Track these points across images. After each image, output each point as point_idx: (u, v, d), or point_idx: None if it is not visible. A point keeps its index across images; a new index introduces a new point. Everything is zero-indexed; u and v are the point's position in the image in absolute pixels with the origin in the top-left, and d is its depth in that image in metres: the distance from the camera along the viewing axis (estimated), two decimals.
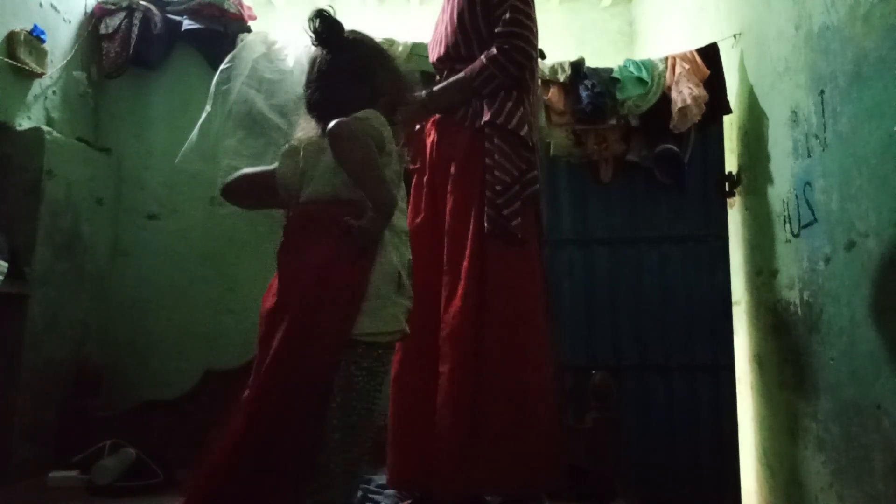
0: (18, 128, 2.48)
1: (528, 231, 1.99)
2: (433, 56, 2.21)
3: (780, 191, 2.36)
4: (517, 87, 2.02)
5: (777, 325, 2.40)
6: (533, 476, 1.87)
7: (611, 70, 2.78)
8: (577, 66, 2.79)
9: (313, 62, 1.57)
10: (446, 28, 2.13)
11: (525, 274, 1.96)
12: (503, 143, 1.97)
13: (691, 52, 2.77)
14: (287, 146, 1.57)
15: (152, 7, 2.92)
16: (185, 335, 2.81)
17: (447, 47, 2.11)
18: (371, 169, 1.39)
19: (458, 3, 2.08)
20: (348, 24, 1.59)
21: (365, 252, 1.38)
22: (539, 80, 2.35)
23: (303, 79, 1.60)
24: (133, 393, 2.66)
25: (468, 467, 1.83)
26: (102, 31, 2.93)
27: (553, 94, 2.75)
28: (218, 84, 2.75)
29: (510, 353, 1.89)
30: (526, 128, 1.99)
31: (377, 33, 2.74)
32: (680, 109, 2.64)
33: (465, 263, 1.93)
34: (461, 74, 2.03)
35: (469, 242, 1.94)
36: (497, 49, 1.98)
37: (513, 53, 1.97)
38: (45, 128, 2.52)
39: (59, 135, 2.56)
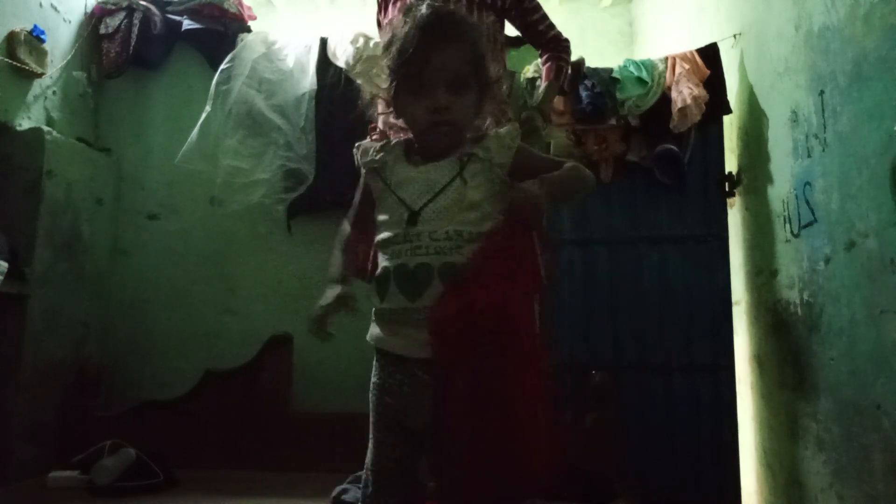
0: (18, 128, 2.48)
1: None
2: None
3: (780, 191, 2.36)
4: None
5: (777, 325, 2.40)
6: (520, 482, 1.86)
7: (611, 70, 2.77)
8: (577, 66, 2.78)
9: None
10: None
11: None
12: None
13: (691, 52, 2.77)
14: None
15: (152, 7, 2.93)
16: (185, 335, 2.81)
17: None
18: None
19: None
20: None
21: None
22: None
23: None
24: (133, 393, 2.67)
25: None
26: (102, 31, 2.94)
27: None
28: (218, 84, 2.76)
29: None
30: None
31: (377, 33, 2.78)
32: (680, 109, 2.64)
33: None
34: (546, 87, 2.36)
35: None
36: (554, 50, 2.31)
37: (568, 48, 2.37)
38: (45, 128, 2.52)
39: (59, 135, 2.56)
